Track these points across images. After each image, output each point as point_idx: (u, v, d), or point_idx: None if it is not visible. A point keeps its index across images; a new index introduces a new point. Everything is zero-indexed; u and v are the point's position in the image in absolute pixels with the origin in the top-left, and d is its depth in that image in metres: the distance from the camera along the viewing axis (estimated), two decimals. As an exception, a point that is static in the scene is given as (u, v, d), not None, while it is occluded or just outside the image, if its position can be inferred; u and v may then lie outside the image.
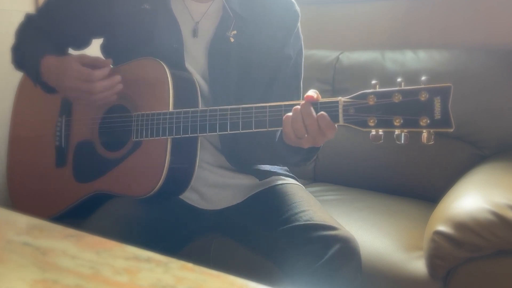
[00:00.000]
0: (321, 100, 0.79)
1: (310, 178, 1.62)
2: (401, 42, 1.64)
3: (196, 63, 1.02)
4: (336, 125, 0.79)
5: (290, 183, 1.09)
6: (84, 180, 1.06)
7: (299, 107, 0.79)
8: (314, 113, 0.78)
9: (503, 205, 0.90)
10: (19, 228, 0.53)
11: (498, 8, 1.49)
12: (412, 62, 1.48)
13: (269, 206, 1.02)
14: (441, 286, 0.95)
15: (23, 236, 0.50)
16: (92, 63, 0.97)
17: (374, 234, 1.09)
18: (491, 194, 0.95)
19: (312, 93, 0.80)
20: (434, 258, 0.93)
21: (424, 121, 0.70)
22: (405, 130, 0.72)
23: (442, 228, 0.92)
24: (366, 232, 1.09)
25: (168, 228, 1.02)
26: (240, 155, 1.06)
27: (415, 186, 1.43)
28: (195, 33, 1.02)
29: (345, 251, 0.87)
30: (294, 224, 0.94)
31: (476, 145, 1.38)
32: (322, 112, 0.78)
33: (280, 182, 1.09)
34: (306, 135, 0.80)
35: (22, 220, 0.56)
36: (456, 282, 0.93)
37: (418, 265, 0.98)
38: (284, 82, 1.05)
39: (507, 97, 1.35)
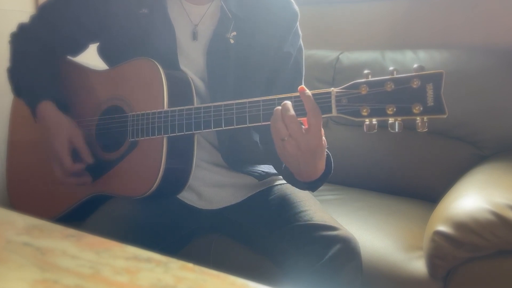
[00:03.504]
0: (313, 91, 0.79)
1: (310, 178, 1.62)
2: (401, 42, 1.64)
3: (194, 65, 1.02)
4: (322, 116, 0.77)
5: (290, 183, 1.09)
6: None
7: (280, 107, 0.79)
8: (292, 110, 0.77)
9: (503, 205, 0.90)
10: (19, 228, 0.53)
11: (498, 8, 1.49)
12: (412, 62, 1.48)
13: (269, 206, 1.02)
14: (441, 286, 0.95)
15: (23, 236, 0.50)
16: (78, 150, 1.00)
17: (374, 234, 1.09)
18: (491, 194, 0.95)
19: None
20: (434, 258, 0.93)
21: (417, 109, 0.70)
22: (399, 119, 0.72)
23: (442, 228, 0.92)
24: (366, 232, 1.09)
25: (167, 228, 1.02)
26: (238, 155, 1.06)
27: (415, 186, 1.43)
28: (194, 36, 1.02)
29: (345, 251, 0.87)
30: (294, 224, 0.93)
31: (476, 145, 1.38)
32: (305, 90, 0.77)
33: (279, 182, 1.09)
34: (286, 138, 0.78)
35: (22, 220, 0.56)
36: (456, 282, 0.93)
37: (418, 265, 0.98)
38: (287, 79, 1.05)
39: (507, 97, 1.35)
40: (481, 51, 1.43)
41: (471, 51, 1.44)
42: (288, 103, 0.78)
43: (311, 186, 0.90)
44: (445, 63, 1.43)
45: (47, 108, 1.02)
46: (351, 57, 1.61)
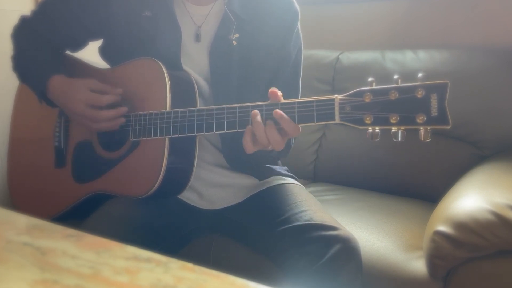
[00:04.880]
0: (317, 98, 0.79)
1: (310, 178, 1.62)
2: (401, 42, 1.64)
3: (198, 66, 1.02)
4: (299, 126, 0.80)
5: (290, 183, 1.09)
6: (83, 181, 1.06)
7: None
8: (259, 119, 0.81)
9: (503, 205, 0.90)
10: (19, 228, 0.53)
11: (498, 8, 1.49)
12: (412, 62, 1.48)
13: (269, 206, 1.02)
14: (441, 286, 0.95)
15: (23, 236, 0.50)
16: (101, 90, 0.98)
17: (374, 234, 1.09)
18: (491, 194, 0.95)
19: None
20: (434, 258, 0.93)
21: (421, 118, 0.70)
22: (402, 128, 0.72)
23: (442, 228, 0.92)
24: (366, 232, 1.09)
25: (168, 228, 1.02)
26: (240, 156, 1.06)
27: (415, 186, 1.43)
28: (197, 38, 1.02)
29: (345, 251, 0.87)
30: (294, 224, 0.94)
31: (476, 145, 1.38)
32: (281, 113, 0.79)
33: (280, 182, 1.09)
34: (270, 147, 0.83)
35: (22, 220, 0.56)
36: (456, 282, 0.93)
37: (418, 265, 0.98)
38: (284, 81, 1.05)
39: (507, 97, 1.35)
40: (481, 51, 1.43)
41: (471, 51, 1.44)
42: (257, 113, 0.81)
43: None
44: (445, 63, 1.43)
45: (57, 82, 1.02)
46: (351, 57, 1.61)
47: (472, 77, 1.37)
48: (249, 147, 0.83)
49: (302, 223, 0.93)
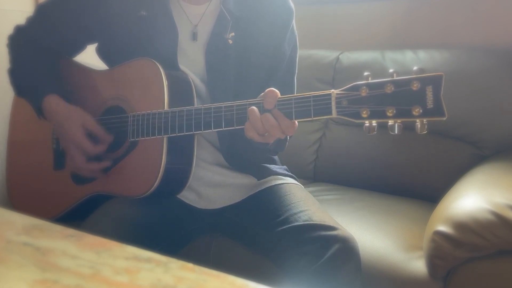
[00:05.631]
0: (314, 93, 0.79)
1: (310, 178, 1.62)
2: (401, 42, 1.64)
3: (194, 65, 1.02)
4: (296, 122, 0.81)
5: (289, 183, 1.09)
6: (82, 182, 1.06)
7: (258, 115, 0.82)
8: (258, 114, 0.82)
9: (503, 205, 0.90)
10: (19, 228, 0.53)
11: (497, 8, 1.49)
12: (412, 62, 1.48)
13: (268, 206, 1.02)
14: (441, 286, 0.95)
15: (23, 236, 0.50)
16: (94, 133, 0.99)
17: (374, 234, 1.09)
18: (491, 194, 0.95)
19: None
20: (434, 258, 0.93)
21: (417, 111, 0.70)
22: (398, 121, 0.73)
23: (442, 228, 0.92)
24: (366, 232, 1.09)
25: (167, 228, 1.02)
26: (239, 154, 1.06)
27: (415, 186, 1.43)
28: (194, 37, 1.02)
29: (344, 251, 0.87)
30: (293, 224, 0.93)
31: (476, 145, 1.38)
32: (276, 110, 0.81)
33: (279, 182, 1.09)
34: (266, 134, 0.83)
35: (22, 220, 0.56)
36: (456, 282, 0.93)
37: (418, 265, 0.98)
38: (280, 79, 1.06)
39: (507, 97, 1.35)
40: (481, 51, 1.43)
41: (471, 51, 1.44)
42: (255, 110, 0.82)
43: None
44: (445, 63, 1.43)
45: (53, 101, 1.02)
46: (351, 57, 1.61)
47: (472, 77, 1.37)
48: (249, 133, 0.84)
49: (301, 223, 0.93)
